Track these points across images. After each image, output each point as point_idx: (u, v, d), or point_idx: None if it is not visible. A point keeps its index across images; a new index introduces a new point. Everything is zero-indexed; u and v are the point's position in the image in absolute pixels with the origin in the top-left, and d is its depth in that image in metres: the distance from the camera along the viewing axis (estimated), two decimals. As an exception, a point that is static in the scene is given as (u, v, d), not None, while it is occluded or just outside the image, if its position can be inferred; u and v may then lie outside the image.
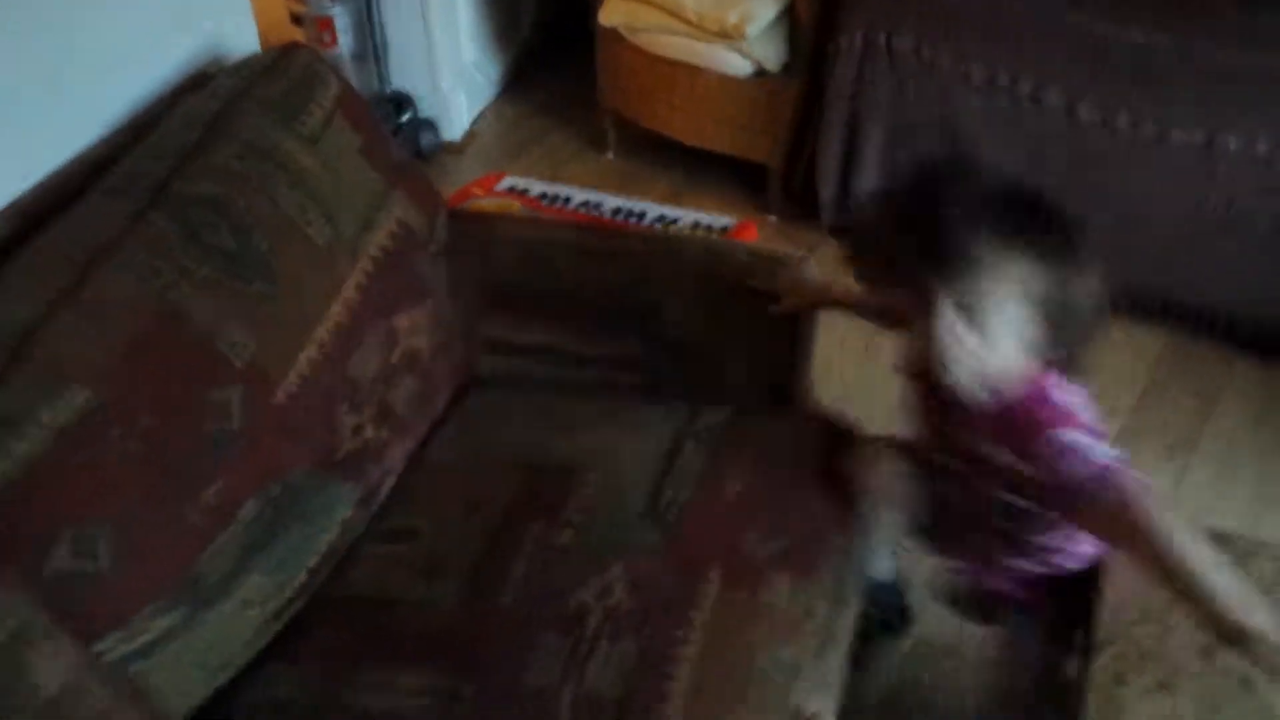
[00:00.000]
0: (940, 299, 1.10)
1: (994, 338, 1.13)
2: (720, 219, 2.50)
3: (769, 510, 1.44)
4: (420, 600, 1.38)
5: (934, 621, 1.82)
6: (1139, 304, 2.50)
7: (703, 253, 1.74)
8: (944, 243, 1.10)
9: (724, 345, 1.66)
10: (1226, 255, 2.35)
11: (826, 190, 2.74)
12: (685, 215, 2.49)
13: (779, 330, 1.65)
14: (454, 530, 1.46)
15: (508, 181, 2.57)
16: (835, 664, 1.31)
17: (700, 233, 2.42)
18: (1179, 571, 1.04)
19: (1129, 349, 2.48)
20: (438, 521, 1.49)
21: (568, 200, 2.53)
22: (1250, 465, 2.19)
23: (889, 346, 1.39)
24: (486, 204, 2.43)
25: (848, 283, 1.40)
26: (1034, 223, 1.13)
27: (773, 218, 2.90)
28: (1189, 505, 2.08)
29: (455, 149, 3.10)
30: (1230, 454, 2.22)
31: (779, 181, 2.85)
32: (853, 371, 2.36)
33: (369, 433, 1.55)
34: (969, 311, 1.11)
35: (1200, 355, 2.45)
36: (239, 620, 1.32)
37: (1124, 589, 1.24)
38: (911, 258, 1.13)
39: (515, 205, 2.44)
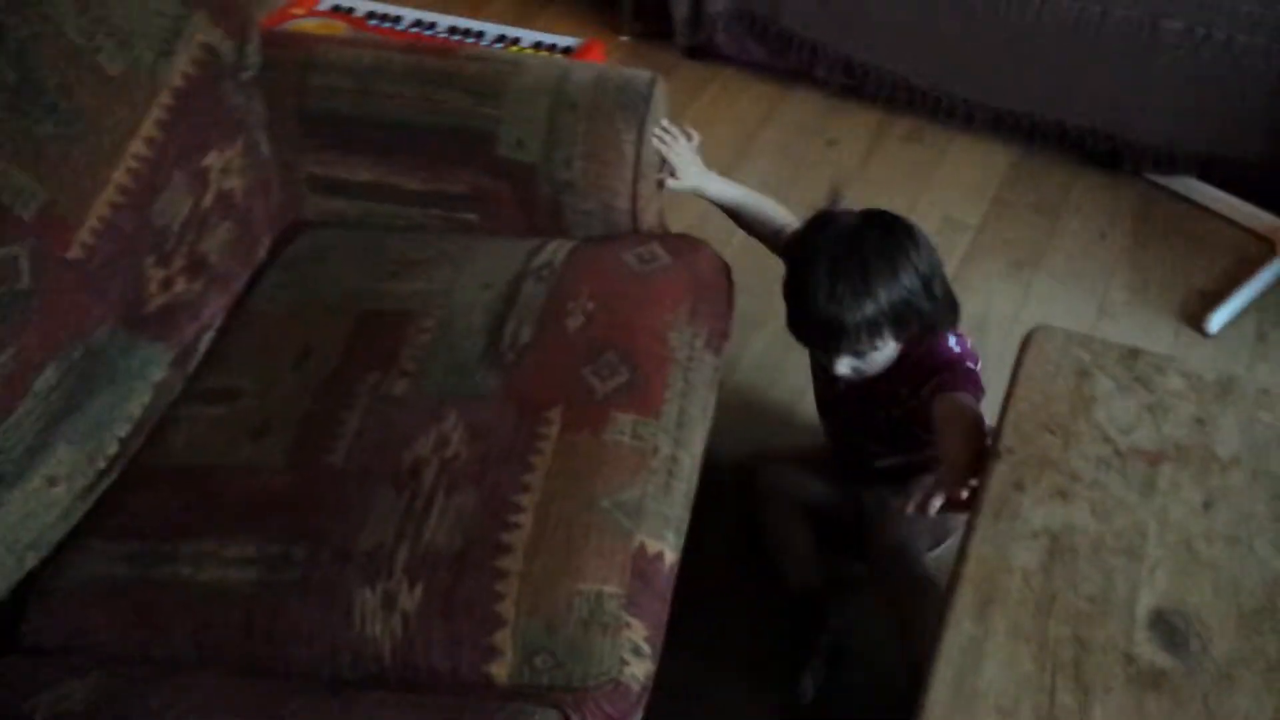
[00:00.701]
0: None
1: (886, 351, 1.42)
2: (565, 39, 2.37)
3: (611, 345, 1.39)
4: (245, 463, 1.30)
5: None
6: (987, 118, 2.49)
7: (544, 75, 1.62)
8: (844, 345, 1.38)
9: (566, 174, 1.57)
10: (1074, 67, 2.33)
11: (680, 9, 2.62)
12: (527, 35, 2.35)
13: (622, 155, 1.56)
14: (280, 386, 1.38)
15: (331, -1, 2.37)
16: (679, 501, 1.29)
17: (543, 53, 2.28)
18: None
19: (977, 164, 2.48)
20: (262, 378, 1.40)
21: (398, 20, 2.35)
22: (1093, 277, 2.23)
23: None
24: (307, 25, 2.24)
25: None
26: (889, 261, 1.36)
27: (624, 37, 2.77)
28: (1034, 318, 2.11)
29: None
30: (1074, 267, 2.25)
31: (630, 0, 2.72)
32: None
33: (180, 285, 1.43)
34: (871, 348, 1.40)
35: (1046, 169, 2.46)
36: (45, 498, 1.24)
37: None
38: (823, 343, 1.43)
39: (339, 26, 2.26)
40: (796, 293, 1.39)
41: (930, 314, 1.40)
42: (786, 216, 1.57)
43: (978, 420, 1.31)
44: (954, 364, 1.42)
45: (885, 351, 1.41)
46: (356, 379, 1.36)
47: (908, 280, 1.36)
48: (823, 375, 1.58)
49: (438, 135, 1.59)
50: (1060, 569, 1.12)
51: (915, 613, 1.46)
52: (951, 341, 1.45)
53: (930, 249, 1.41)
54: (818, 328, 1.39)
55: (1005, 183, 2.44)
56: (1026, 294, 2.19)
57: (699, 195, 1.61)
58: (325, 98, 1.63)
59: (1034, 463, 1.21)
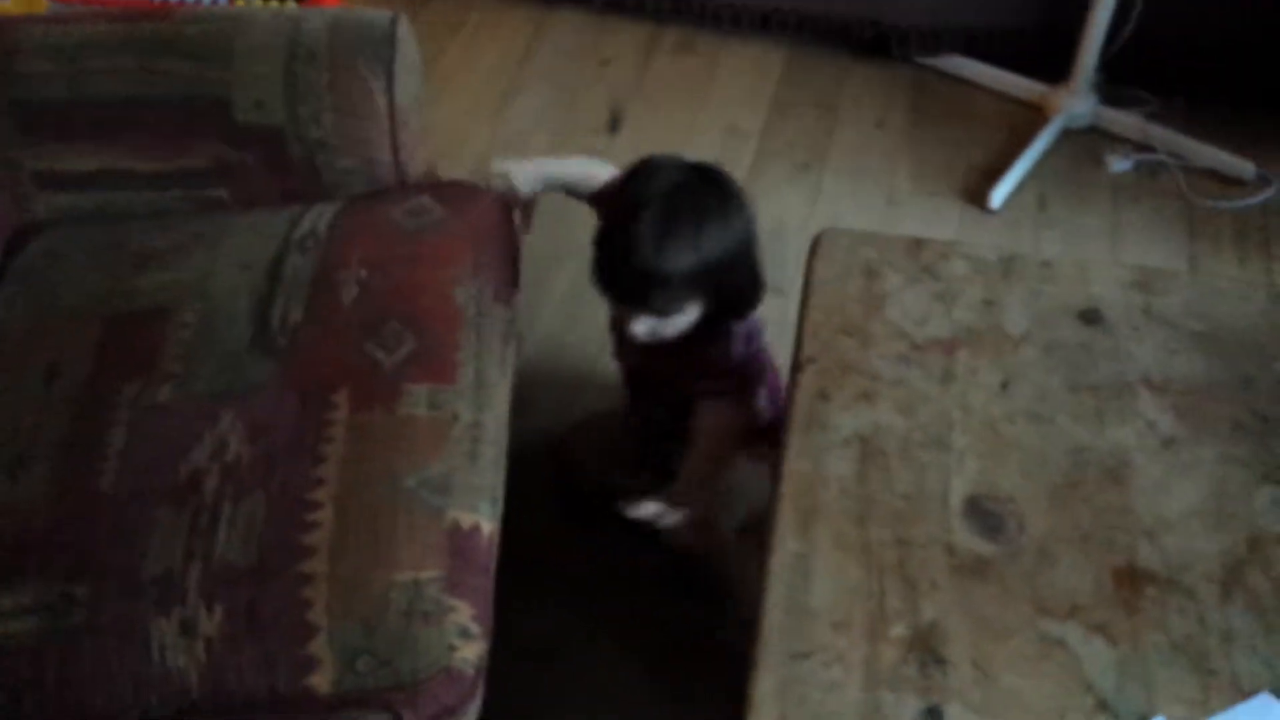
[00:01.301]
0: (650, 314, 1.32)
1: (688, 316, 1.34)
2: (300, -15, 2.20)
3: (392, 313, 1.30)
4: (3, 503, 1.16)
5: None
6: (754, 19, 2.46)
7: (274, 27, 1.49)
8: (655, 300, 1.29)
9: (314, 132, 1.45)
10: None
11: (424, -64, 2.48)
12: (256, -14, 2.18)
13: (374, 105, 1.46)
14: (30, 413, 1.23)
15: (32, -27, 2.13)
16: (489, 467, 1.22)
17: (273, 3, 2.12)
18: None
19: (751, 68, 2.46)
20: (8, 405, 1.25)
21: (111, -13, 2.14)
22: (877, 168, 2.25)
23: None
24: (4, 7, 2.01)
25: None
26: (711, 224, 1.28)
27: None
28: (826, 218, 2.12)
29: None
30: (858, 161, 2.26)
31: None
32: (487, 135, 2.21)
33: (-107, 319, 1.27)
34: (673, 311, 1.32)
35: (819, 65, 2.46)
36: None
37: None
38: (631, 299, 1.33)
39: (42, 3, 2.04)
40: (619, 242, 1.28)
41: (742, 282, 1.35)
42: (606, 168, 1.50)
43: (725, 439, 1.40)
44: (729, 373, 1.38)
45: (688, 316, 1.33)
46: (114, 391, 1.23)
47: (732, 239, 1.30)
48: (619, 344, 1.53)
49: (166, 109, 1.45)
50: (874, 472, 1.12)
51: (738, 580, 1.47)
52: (740, 346, 1.40)
53: (752, 213, 1.35)
54: (635, 279, 1.28)
55: (781, 84, 2.42)
56: (816, 194, 2.19)
57: (550, 189, 1.55)
58: (36, 85, 1.46)
59: (836, 369, 1.20)
